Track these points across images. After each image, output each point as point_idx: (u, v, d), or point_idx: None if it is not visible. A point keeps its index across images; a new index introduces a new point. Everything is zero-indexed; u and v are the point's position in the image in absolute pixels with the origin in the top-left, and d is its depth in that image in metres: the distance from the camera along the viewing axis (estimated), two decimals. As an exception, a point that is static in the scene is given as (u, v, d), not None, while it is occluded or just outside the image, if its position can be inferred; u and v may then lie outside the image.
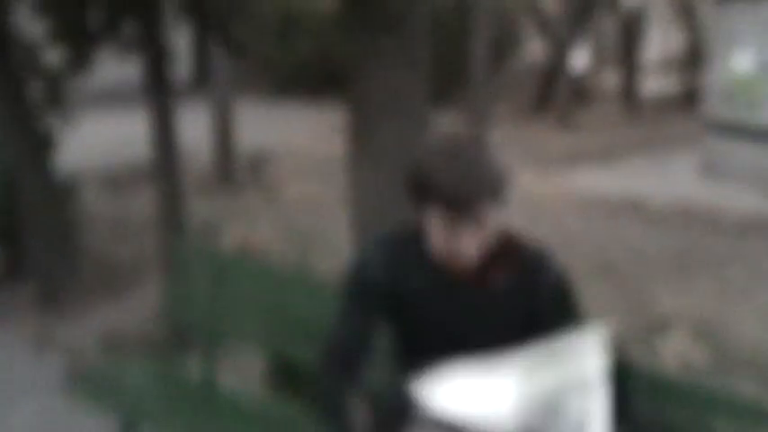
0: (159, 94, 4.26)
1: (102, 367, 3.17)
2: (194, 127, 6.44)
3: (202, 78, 16.65)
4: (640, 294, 5.22)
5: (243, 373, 3.47)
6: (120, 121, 13.75)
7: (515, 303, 1.82)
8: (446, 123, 14.86)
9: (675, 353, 4.25)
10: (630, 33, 17.43)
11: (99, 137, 10.92)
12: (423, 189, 1.73)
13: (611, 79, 21.91)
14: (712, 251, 6.26)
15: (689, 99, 16.47)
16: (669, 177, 9.35)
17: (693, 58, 16.22)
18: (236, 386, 3.03)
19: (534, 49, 25.90)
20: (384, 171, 2.98)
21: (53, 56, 5.21)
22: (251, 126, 13.38)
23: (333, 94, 18.09)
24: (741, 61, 8.50)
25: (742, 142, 8.49)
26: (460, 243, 1.73)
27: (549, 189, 8.81)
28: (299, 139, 13.05)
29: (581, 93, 18.04)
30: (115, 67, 5.06)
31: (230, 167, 9.43)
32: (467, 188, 1.67)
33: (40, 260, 4.94)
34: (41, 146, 4.93)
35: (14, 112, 4.73)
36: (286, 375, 3.24)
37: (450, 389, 1.60)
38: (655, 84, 19.85)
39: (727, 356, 4.12)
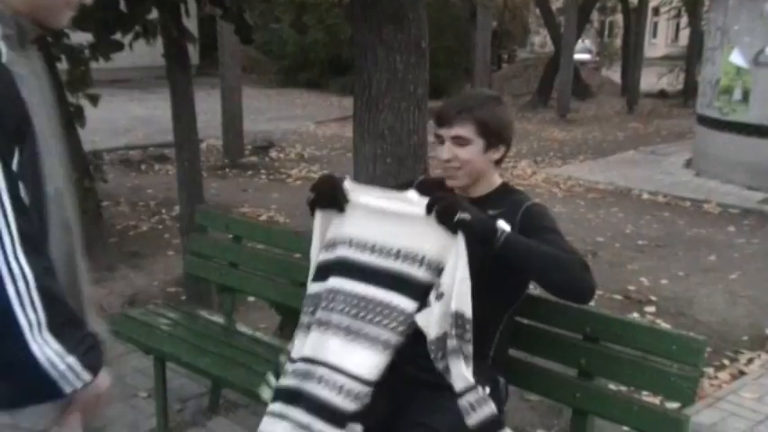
0: (181, 74, 4.63)
1: (137, 313, 3.56)
2: (203, 110, 6.80)
3: (206, 63, 17.01)
4: (621, 274, 5.65)
5: (257, 326, 3.90)
6: (127, 104, 14.20)
7: None
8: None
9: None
10: (634, 29, 17.72)
11: (107, 119, 11.31)
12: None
13: (614, 74, 22.28)
14: (691, 237, 6.69)
15: (688, 94, 16.85)
16: (659, 169, 9.76)
17: (695, 54, 16.55)
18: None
19: (544, 39, 26.13)
20: (384, 148, 3.39)
21: (79, 38, 5.61)
22: (258, 111, 13.80)
23: (335, 80, 18.53)
24: (732, 56, 8.82)
25: (730, 136, 8.85)
26: (443, 152, 2.24)
27: (542, 178, 9.23)
28: (302, 124, 13.45)
29: (582, 87, 18.40)
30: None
31: (239, 150, 9.85)
32: (449, 106, 2.24)
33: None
34: (71, 122, 5.32)
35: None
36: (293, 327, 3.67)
37: None
38: (657, 79, 20.20)
39: (691, 327, 4.53)
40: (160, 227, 6.62)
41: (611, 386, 2.54)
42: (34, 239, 1.52)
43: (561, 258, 2.08)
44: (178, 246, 5.77)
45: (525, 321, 2.44)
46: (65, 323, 1.56)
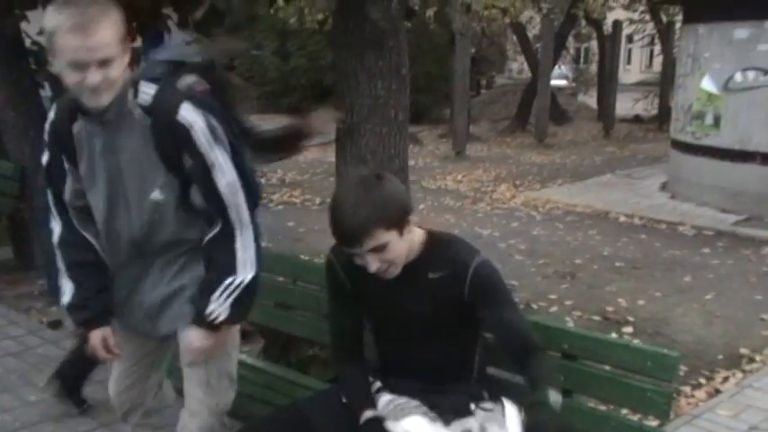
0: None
1: None
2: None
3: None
4: (599, 295, 5.74)
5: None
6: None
7: (443, 293, 2.24)
8: (430, 138, 15.45)
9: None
10: (609, 55, 17.98)
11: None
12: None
13: (590, 99, 22.58)
14: (666, 258, 6.80)
15: (662, 119, 17.11)
16: (635, 193, 9.90)
17: (669, 80, 16.83)
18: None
19: (521, 66, 26.39)
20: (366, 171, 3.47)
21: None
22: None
23: (316, 106, 18.62)
24: (704, 83, 9.01)
25: (703, 160, 9.01)
26: (367, 265, 2.18)
27: (521, 201, 9.35)
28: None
29: (559, 112, 18.63)
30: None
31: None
32: (346, 228, 2.13)
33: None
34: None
35: (28, 115, 5.14)
36: (281, 349, 3.71)
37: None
38: (632, 104, 20.49)
39: (668, 347, 4.60)
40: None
41: (591, 404, 2.60)
42: (60, 213, 2.32)
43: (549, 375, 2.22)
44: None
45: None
46: (75, 277, 2.32)
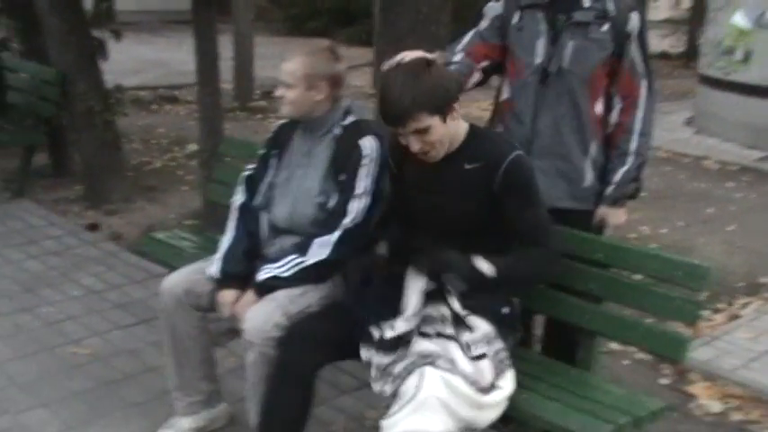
0: (205, 12, 4.73)
1: (162, 236, 3.68)
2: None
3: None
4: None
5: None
6: (136, 47, 14.14)
7: (476, 185, 2.34)
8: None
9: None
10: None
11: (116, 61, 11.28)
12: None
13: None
14: (690, 190, 6.86)
15: (690, 56, 16.84)
16: (661, 127, 9.80)
17: (698, 16, 16.51)
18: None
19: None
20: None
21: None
22: (266, 57, 13.77)
23: (343, 30, 18.44)
24: (735, 17, 8.87)
25: (730, 96, 8.94)
26: (409, 144, 2.30)
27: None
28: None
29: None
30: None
31: (249, 94, 9.93)
32: (392, 107, 2.23)
33: (89, 160, 5.47)
34: (94, 55, 5.42)
35: (71, 22, 5.19)
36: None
37: None
38: (660, 40, 20.12)
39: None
40: (173, 164, 6.76)
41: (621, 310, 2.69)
42: (248, 189, 2.88)
43: (529, 276, 2.42)
44: (192, 182, 5.93)
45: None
46: (236, 235, 2.80)
